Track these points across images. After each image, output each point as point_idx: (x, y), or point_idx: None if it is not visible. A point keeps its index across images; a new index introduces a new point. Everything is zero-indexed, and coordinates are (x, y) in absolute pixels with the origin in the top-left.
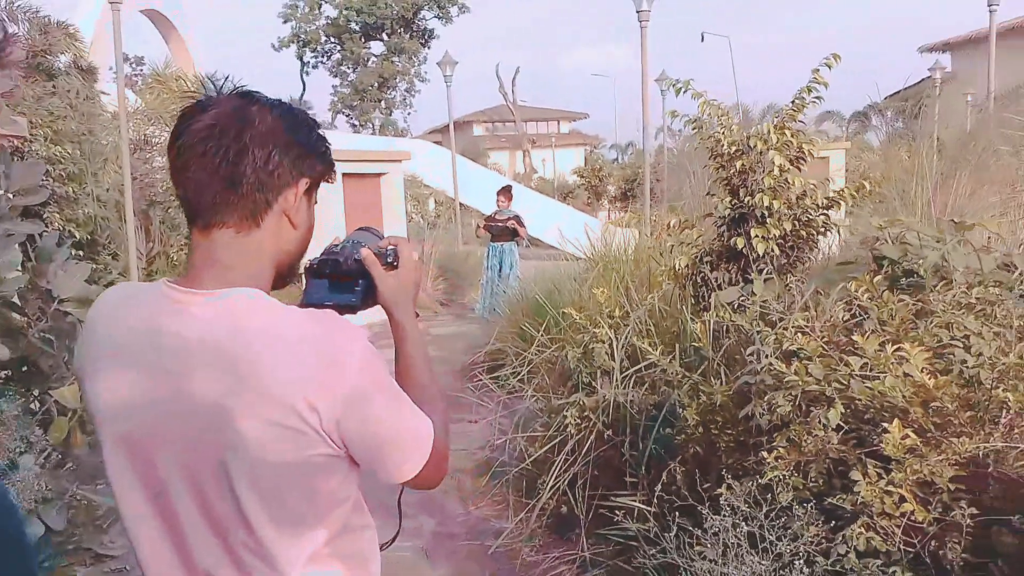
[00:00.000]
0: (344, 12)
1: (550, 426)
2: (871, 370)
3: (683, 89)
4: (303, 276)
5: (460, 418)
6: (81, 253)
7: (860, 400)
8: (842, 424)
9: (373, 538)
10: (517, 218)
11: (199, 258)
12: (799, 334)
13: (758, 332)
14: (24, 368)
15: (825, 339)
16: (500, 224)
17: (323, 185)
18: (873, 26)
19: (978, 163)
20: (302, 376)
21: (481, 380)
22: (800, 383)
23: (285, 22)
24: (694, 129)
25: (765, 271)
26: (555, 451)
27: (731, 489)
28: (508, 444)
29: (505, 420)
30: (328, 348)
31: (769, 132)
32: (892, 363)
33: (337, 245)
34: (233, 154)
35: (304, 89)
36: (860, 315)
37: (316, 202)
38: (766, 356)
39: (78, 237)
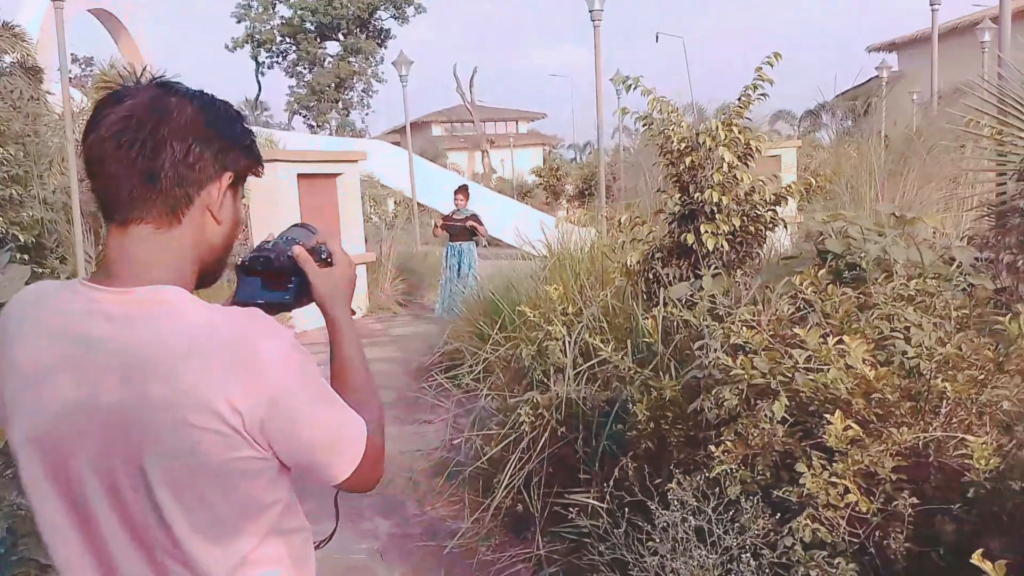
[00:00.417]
0: (299, 12)
1: (505, 424)
2: (814, 363)
3: (633, 86)
4: (236, 273)
5: (416, 419)
6: (27, 257)
7: (804, 392)
8: (787, 416)
9: (308, 540)
10: (475, 217)
11: (115, 255)
12: (745, 328)
13: (707, 327)
14: None
15: (771, 332)
16: (458, 224)
17: (277, 186)
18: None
19: (924, 160)
20: (222, 376)
21: (438, 380)
22: (746, 376)
23: (239, 22)
24: (644, 126)
25: (714, 267)
26: (510, 449)
27: (680, 484)
28: (464, 444)
29: (461, 420)
30: (250, 346)
31: (717, 129)
32: (834, 355)
33: (269, 242)
34: (150, 147)
35: (260, 90)
36: (805, 308)
37: (243, 196)
38: (714, 351)
39: (22, 240)
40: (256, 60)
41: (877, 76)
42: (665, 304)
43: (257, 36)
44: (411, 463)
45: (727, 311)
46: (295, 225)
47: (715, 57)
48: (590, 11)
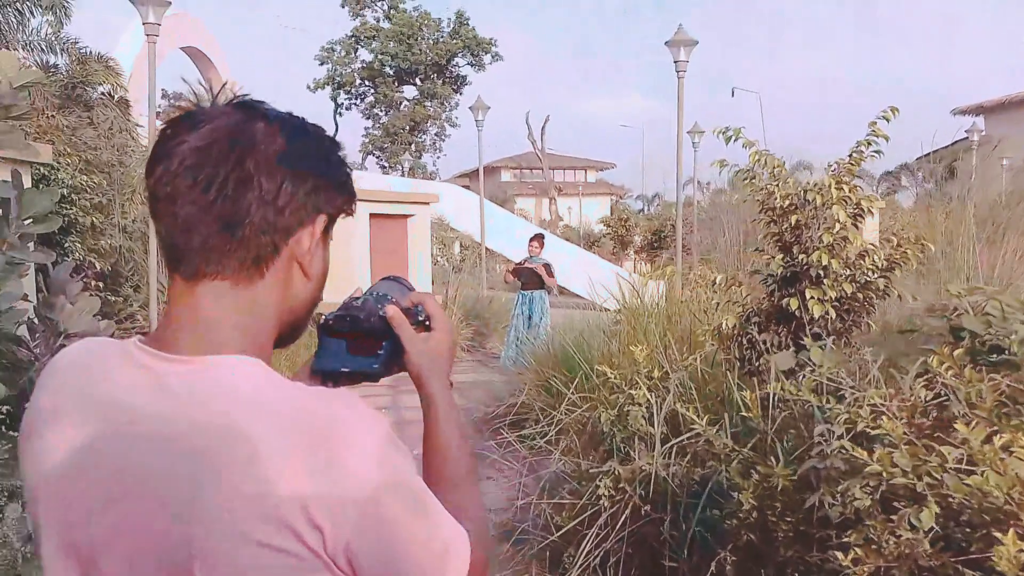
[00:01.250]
0: (379, 57)
1: (580, 494)
2: (966, 463)
3: (733, 137)
4: (316, 334)
5: (479, 475)
6: (102, 284)
7: (955, 499)
8: (934, 526)
9: None
10: (547, 266)
11: (180, 313)
12: (879, 415)
13: (829, 409)
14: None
15: (905, 421)
16: (529, 270)
17: (349, 225)
18: (902, 86)
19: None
20: (302, 480)
21: (504, 436)
22: (884, 474)
23: (321, 64)
24: (744, 180)
25: (821, 337)
26: (585, 523)
27: None
28: (532, 509)
29: (528, 480)
30: (340, 443)
31: (829, 186)
32: (996, 457)
33: (358, 298)
34: (233, 186)
35: (336, 130)
36: (944, 395)
37: (331, 239)
38: (837, 437)
39: (99, 268)
40: (335, 101)
41: (965, 139)
42: (760, 374)
43: (338, 78)
44: None
45: (851, 391)
46: (387, 278)
47: (789, 110)
48: (675, 62)
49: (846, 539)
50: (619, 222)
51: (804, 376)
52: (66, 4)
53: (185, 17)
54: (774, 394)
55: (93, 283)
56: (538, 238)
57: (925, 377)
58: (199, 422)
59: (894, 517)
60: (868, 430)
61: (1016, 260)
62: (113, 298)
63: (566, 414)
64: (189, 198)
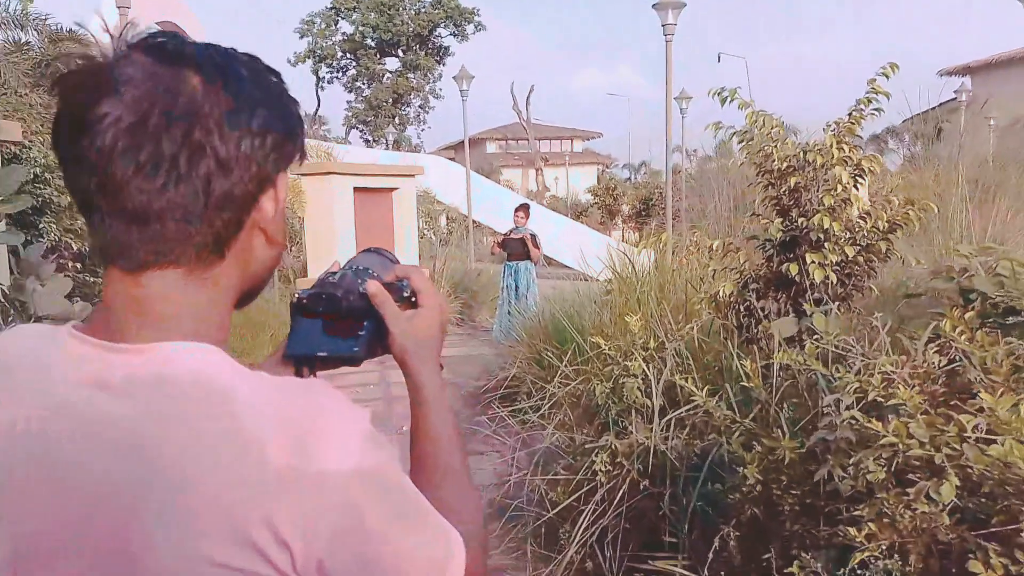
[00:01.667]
0: (360, 28)
1: (575, 469)
2: (985, 432)
3: (729, 98)
4: (290, 314)
5: (469, 449)
6: (80, 265)
7: (974, 470)
8: (954, 499)
9: None
10: (533, 237)
11: (122, 303)
12: (892, 384)
13: (837, 378)
14: None
15: (918, 390)
16: (515, 240)
17: (333, 199)
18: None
19: (1015, 186)
20: (266, 489)
21: (496, 411)
22: (900, 445)
23: (302, 37)
24: (740, 142)
25: (822, 302)
26: (581, 499)
27: (804, 568)
28: (526, 485)
29: (521, 456)
30: (310, 444)
31: (831, 146)
32: (1023, 425)
33: (335, 273)
34: (184, 164)
35: (319, 104)
36: (957, 360)
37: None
38: (846, 408)
39: (75, 248)
40: (317, 75)
41: (953, 99)
42: (759, 341)
43: (319, 51)
44: None
45: (861, 359)
46: (368, 250)
47: (777, 78)
48: (663, 25)
49: (858, 513)
50: (606, 191)
51: (807, 343)
52: None
53: None
54: (776, 363)
55: (70, 264)
56: (523, 208)
57: (937, 343)
58: (145, 420)
59: (910, 490)
60: (880, 399)
61: (1009, 220)
62: (92, 279)
63: (559, 387)
64: (134, 186)
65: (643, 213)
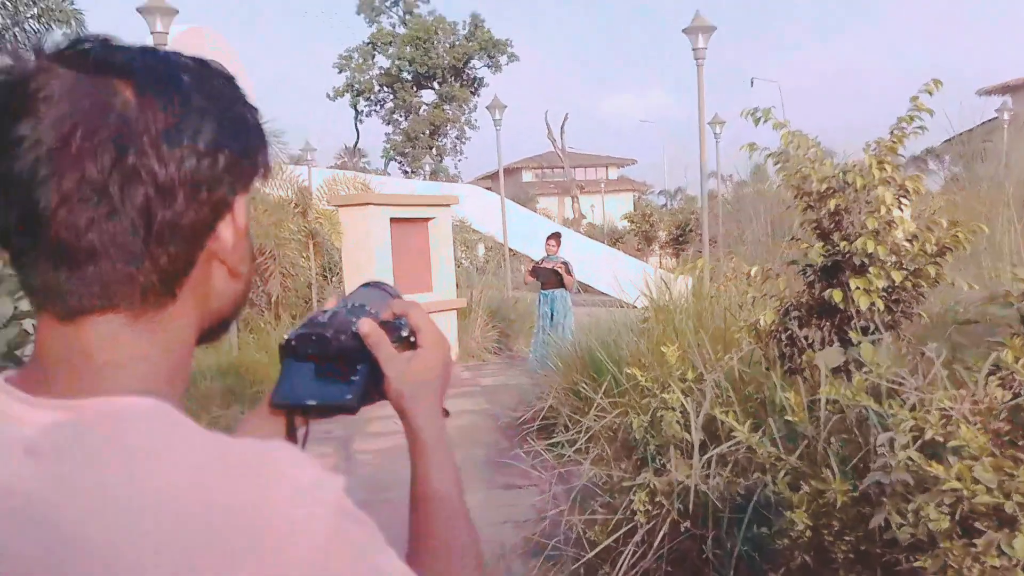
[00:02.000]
0: (397, 63)
1: (613, 507)
2: None
3: (762, 119)
4: (279, 357)
5: (507, 482)
6: None
7: None
8: None
9: None
10: (565, 264)
11: (56, 351)
12: (952, 420)
13: (891, 415)
14: None
15: (980, 427)
16: (547, 270)
17: (370, 229)
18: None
19: None
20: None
21: (532, 445)
22: (966, 491)
23: (340, 72)
24: (776, 164)
25: (868, 330)
26: (620, 540)
27: None
28: (563, 522)
29: (558, 491)
30: (263, 521)
31: (871, 166)
32: None
33: (326, 312)
34: (118, 195)
35: (358, 137)
36: (1021, 394)
37: (250, 214)
38: (902, 447)
39: None
40: (355, 108)
41: (994, 119)
42: (802, 372)
43: (357, 85)
44: (500, 536)
45: (916, 392)
46: (367, 285)
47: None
48: (693, 49)
49: (919, 564)
50: (642, 218)
51: (854, 375)
52: (80, 17)
53: (203, 31)
54: (824, 391)
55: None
56: (555, 236)
57: (998, 375)
58: (63, 491)
59: (977, 541)
60: (939, 438)
61: None
62: None
63: (596, 420)
64: (60, 221)
65: (680, 239)
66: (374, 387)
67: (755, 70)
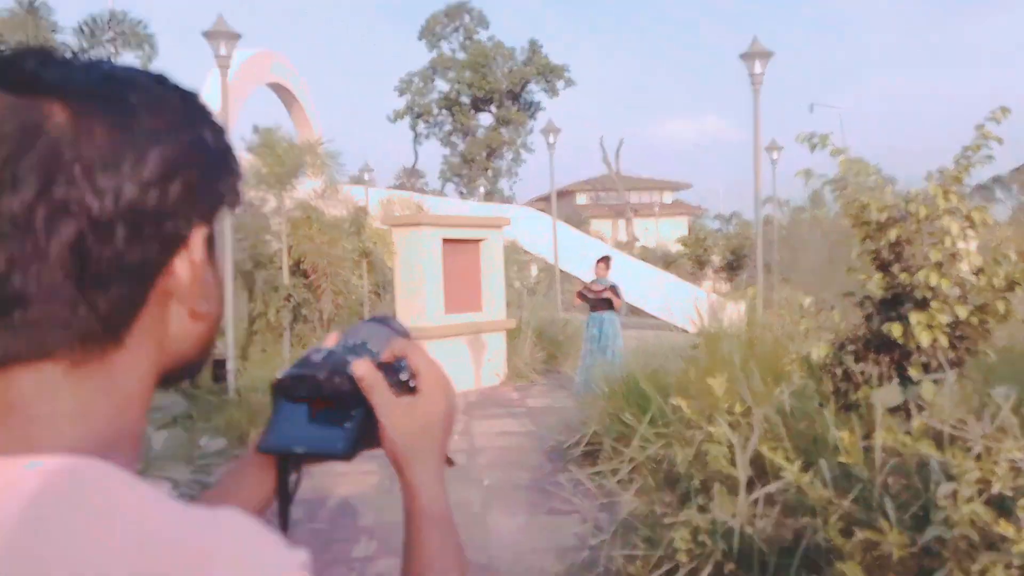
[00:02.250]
0: (456, 86)
1: (654, 543)
2: None
3: (820, 144)
4: (271, 394)
5: (550, 507)
6: None
7: None
8: None
9: None
10: (613, 288)
11: None
12: (1020, 474)
13: (955, 465)
14: None
15: None
16: (594, 294)
17: (422, 249)
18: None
19: None
20: None
21: (572, 473)
22: None
23: (400, 95)
24: (833, 191)
25: (929, 367)
26: None
27: None
28: (603, 556)
29: (600, 518)
30: None
31: (935, 196)
32: None
33: (321, 351)
34: (44, 230)
35: (416, 158)
36: None
37: (216, 247)
38: (966, 500)
39: None
40: (414, 131)
41: None
42: (858, 409)
43: (416, 108)
44: (543, 563)
45: (983, 440)
46: (372, 320)
47: (871, 128)
48: (750, 75)
49: None
50: (696, 241)
51: (914, 417)
52: (153, 42)
53: (270, 55)
54: (879, 437)
55: None
56: (604, 260)
57: None
58: None
59: None
60: (1008, 493)
61: None
62: None
63: (639, 450)
64: None
65: (734, 264)
66: (371, 434)
67: (816, 95)
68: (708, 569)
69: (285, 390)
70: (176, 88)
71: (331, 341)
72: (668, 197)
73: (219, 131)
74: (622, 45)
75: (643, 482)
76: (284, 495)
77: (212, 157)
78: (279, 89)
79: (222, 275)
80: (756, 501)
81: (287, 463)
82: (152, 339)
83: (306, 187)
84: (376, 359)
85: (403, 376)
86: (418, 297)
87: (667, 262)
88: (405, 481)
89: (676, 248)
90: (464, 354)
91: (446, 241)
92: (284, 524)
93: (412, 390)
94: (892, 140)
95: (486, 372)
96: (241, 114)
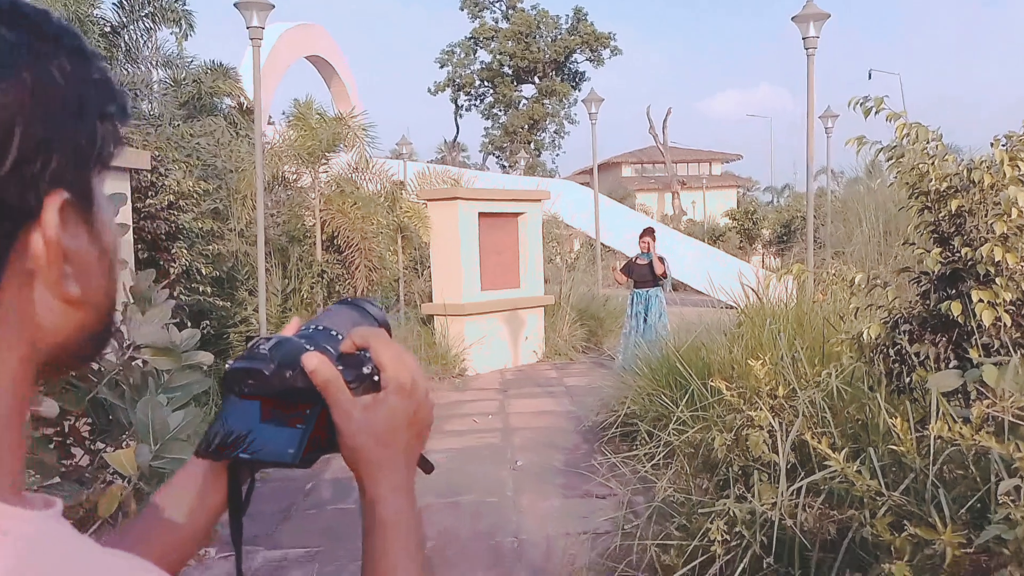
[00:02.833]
0: (498, 57)
1: (690, 532)
2: None
3: (875, 110)
4: (219, 389)
5: (586, 491)
6: (210, 289)
7: None
8: None
9: None
10: (661, 259)
11: None
12: None
13: (1016, 457)
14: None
15: None
16: (643, 266)
17: (458, 224)
18: None
19: None
20: None
21: (610, 454)
22: None
23: (442, 67)
24: (889, 159)
25: (994, 348)
26: (696, 570)
27: None
28: (636, 543)
29: (638, 498)
30: None
31: (1002, 162)
32: None
33: (269, 339)
34: None
35: (458, 131)
36: None
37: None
38: None
39: (204, 273)
40: (455, 103)
41: None
42: (911, 393)
43: (457, 80)
44: (575, 548)
45: None
46: (343, 302)
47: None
48: (803, 38)
49: None
50: (745, 215)
51: (974, 404)
52: (190, 18)
53: (309, 28)
54: (934, 427)
55: (201, 288)
56: (649, 232)
57: None
58: None
59: None
60: None
61: None
62: (222, 303)
63: (675, 435)
64: None
65: (784, 238)
66: (330, 437)
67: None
68: (745, 562)
69: (232, 385)
70: (29, 20)
71: (292, 327)
72: (717, 169)
73: (80, 61)
74: (671, 11)
75: (679, 466)
76: (235, 504)
77: (65, 100)
78: (318, 62)
79: (109, 247)
80: (798, 491)
81: (238, 470)
82: (13, 329)
83: (341, 161)
84: (332, 351)
85: (366, 370)
86: (454, 273)
87: (715, 236)
88: (364, 491)
89: (724, 222)
90: (501, 332)
91: (483, 216)
92: (237, 535)
93: (375, 386)
94: (956, 110)
95: (524, 350)
96: (280, 87)
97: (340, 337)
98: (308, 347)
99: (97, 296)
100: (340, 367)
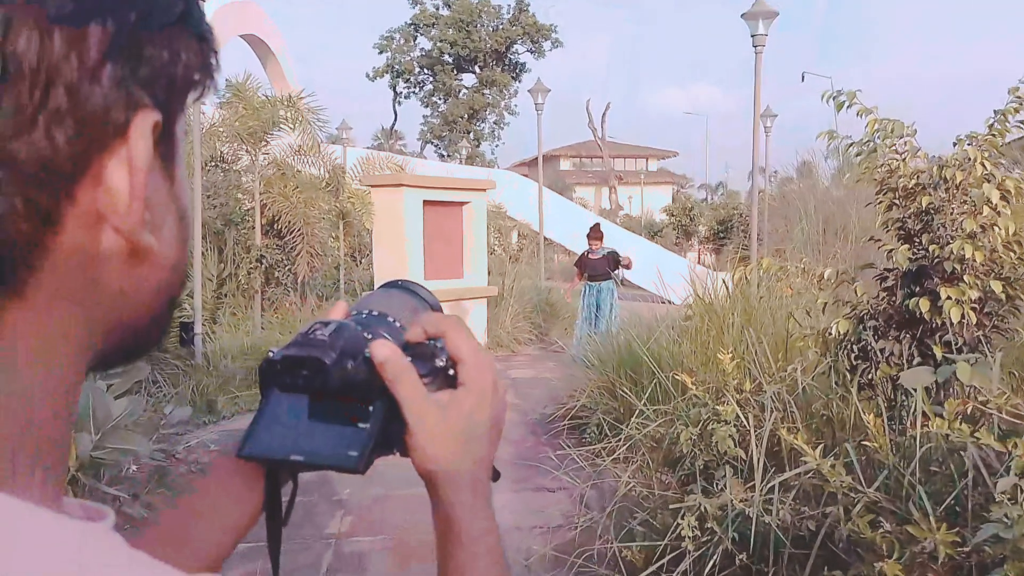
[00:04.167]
0: (438, 44)
1: (653, 527)
2: None
3: (847, 103)
4: (259, 380)
5: (537, 484)
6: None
7: None
8: None
9: None
10: (614, 253)
11: None
12: None
13: (1014, 455)
14: None
15: None
16: (598, 260)
17: (402, 211)
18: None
19: None
20: None
21: (564, 447)
22: None
23: (380, 53)
24: (857, 154)
25: (957, 345)
26: (664, 567)
27: None
28: (598, 537)
29: (590, 495)
30: None
31: (974, 160)
32: None
33: (328, 324)
34: None
35: (396, 118)
36: None
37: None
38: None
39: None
40: (394, 90)
41: None
42: (873, 388)
43: (397, 67)
44: (527, 542)
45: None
46: (392, 285)
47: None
48: (752, 35)
49: None
50: (682, 211)
51: (948, 402)
52: None
53: (245, 5)
54: (896, 413)
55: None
56: (595, 231)
57: None
58: None
59: None
60: None
61: None
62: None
63: (636, 429)
64: None
65: (720, 235)
66: (391, 439)
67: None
68: (716, 558)
69: (278, 376)
70: None
71: (339, 311)
72: (653, 165)
73: None
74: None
75: (641, 460)
76: (275, 514)
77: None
78: (253, 41)
79: (183, 197)
80: (771, 487)
81: (278, 473)
82: (72, 289)
83: (283, 143)
84: (399, 339)
85: (440, 363)
86: (397, 261)
87: (652, 232)
88: (440, 505)
89: (661, 218)
90: None
91: (427, 203)
92: (275, 550)
93: (452, 382)
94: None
95: None
96: None
97: (398, 324)
98: (368, 335)
99: (173, 254)
100: (410, 359)
